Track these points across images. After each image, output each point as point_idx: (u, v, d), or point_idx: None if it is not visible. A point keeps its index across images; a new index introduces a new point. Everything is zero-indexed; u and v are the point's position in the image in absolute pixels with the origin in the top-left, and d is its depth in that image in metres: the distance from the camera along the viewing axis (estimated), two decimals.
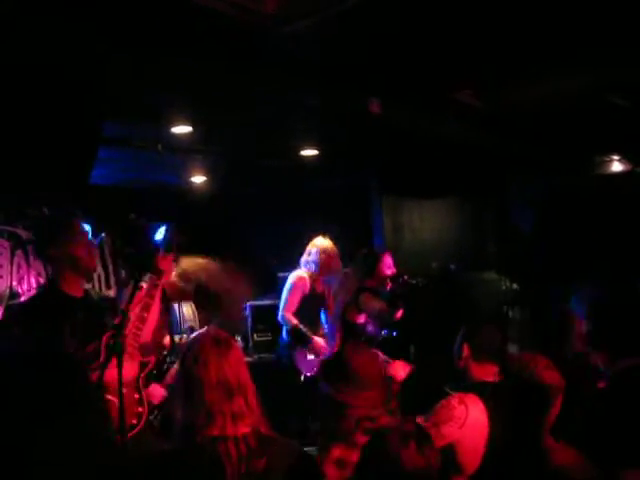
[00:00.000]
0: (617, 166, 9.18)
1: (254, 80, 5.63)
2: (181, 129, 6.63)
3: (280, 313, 7.04)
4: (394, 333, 6.52)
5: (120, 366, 3.48)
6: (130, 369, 3.91)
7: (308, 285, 7.07)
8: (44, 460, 1.80)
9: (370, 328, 6.19)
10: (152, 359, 4.21)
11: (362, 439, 3.12)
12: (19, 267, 8.32)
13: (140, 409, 3.95)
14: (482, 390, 3.79)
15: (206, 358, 2.76)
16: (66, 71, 4.99)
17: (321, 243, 7.05)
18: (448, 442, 3.59)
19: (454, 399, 3.74)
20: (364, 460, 2.53)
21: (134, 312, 4.06)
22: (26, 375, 1.88)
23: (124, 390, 3.74)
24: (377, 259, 6.34)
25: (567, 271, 8.20)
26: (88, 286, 4.43)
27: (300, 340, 6.91)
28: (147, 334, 4.13)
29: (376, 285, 6.27)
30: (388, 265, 6.33)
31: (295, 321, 6.93)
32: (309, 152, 7.97)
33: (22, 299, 8.12)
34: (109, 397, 3.75)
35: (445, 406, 3.71)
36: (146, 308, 4.10)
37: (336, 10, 4.76)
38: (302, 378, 6.91)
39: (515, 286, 9.20)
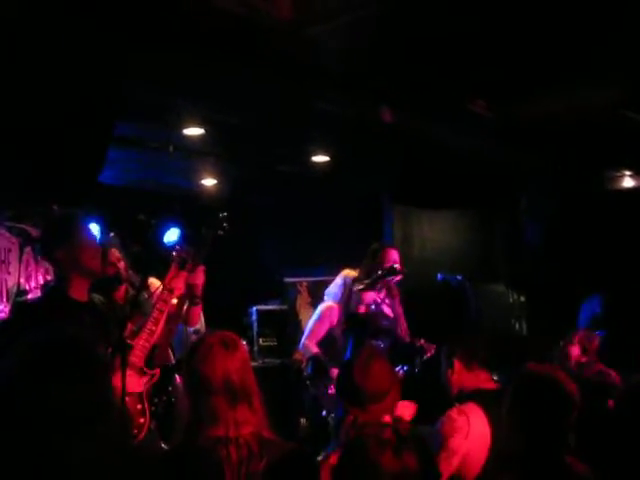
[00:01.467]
0: (629, 181, 9.14)
1: (268, 84, 5.63)
2: (193, 131, 6.63)
3: (302, 341, 6.83)
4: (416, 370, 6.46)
5: (124, 377, 3.51)
6: (136, 381, 3.92)
7: (337, 316, 6.64)
8: (77, 464, 1.81)
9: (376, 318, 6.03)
10: (157, 372, 4.17)
11: None
12: (27, 264, 8.33)
13: (142, 420, 3.93)
14: (479, 397, 3.81)
15: (212, 358, 2.76)
16: (79, 69, 5.00)
17: (348, 274, 6.85)
18: (462, 455, 3.58)
19: (452, 412, 3.75)
20: (342, 465, 2.50)
21: (145, 325, 4.09)
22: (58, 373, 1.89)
23: (127, 399, 3.77)
24: (381, 250, 6.22)
25: (576, 286, 8.17)
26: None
27: (318, 370, 6.70)
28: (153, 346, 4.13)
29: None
30: (393, 259, 6.17)
31: (315, 349, 6.67)
32: (320, 158, 7.96)
33: (30, 296, 8.14)
34: None
35: (446, 421, 3.70)
36: (155, 322, 4.11)
37: (352, 17, 4.76)
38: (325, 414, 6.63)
39: (523, 299, 9.18)
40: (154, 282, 5.24)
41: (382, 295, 6.18)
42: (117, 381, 3.56)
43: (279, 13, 4.63)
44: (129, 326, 4.04)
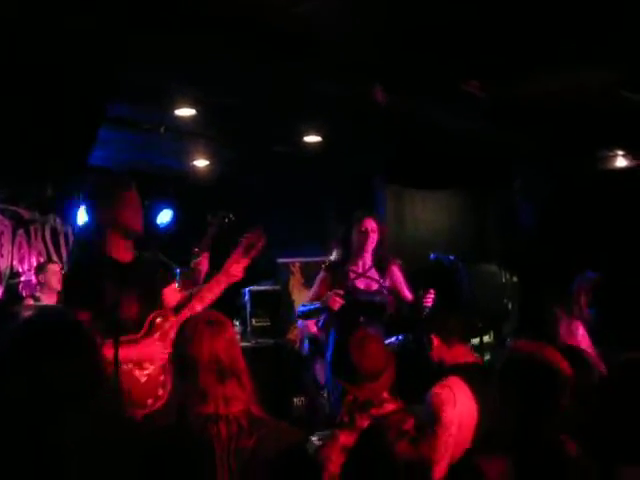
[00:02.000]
0: (621, 161, 9.15)
1: (258, 62, 5.61)
2: (184, 112, 6.61)
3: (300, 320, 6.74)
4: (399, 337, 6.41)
5: (116, 350, 3.52)
6: (163, 349, 3.91)
7: None
8: (66, 440, 1.84)
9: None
10: None
11: (367, 424, 3.13)
12: (20, 247, 8.34)
13: (161, 392, 3.92)
14: (459, 371, 3.86)
15: (199, 338, 2.77)
16: (72, 51, 4.98)
17: None
18: (457, 425, 3.62)
19: (435, 388, 3.78)
20: (358, 449, 2.52)
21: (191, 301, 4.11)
22: (40, 351, 1.91)
23: (151, 368, 3.87)
24: (356, 219, 5.75)
25: (569, 265, 8.20)
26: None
27: (316, 350, 6.66)
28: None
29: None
30: (369, 224, 5.69)
31: (314, 329, 6.60)
32: (312, 139, 7.95)
33: (22, 278, 8.15)
34: (136, 372, 3.84)
35: (432, 398, 3.74)
36: (200, 300, 4.11)
37: None
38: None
39: (515, 279, 9.19)
40: None
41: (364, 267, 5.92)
42: (149, 346, 3.79)
43: None
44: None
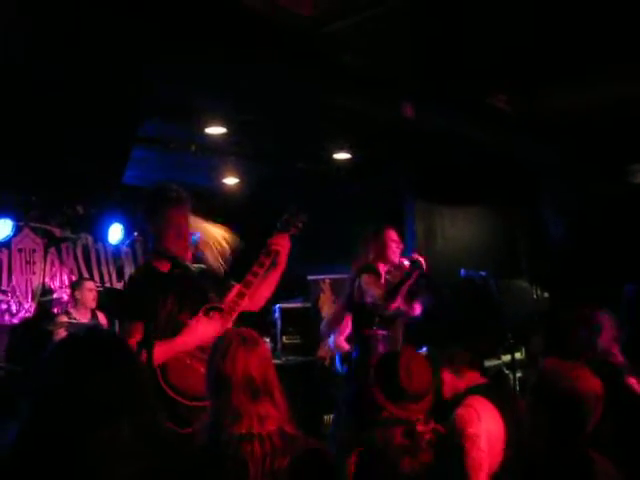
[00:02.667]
0: None
1: (289, 81, 5.63)
2: (215, 130, 6.65)
3: (331, 339, 6.64)
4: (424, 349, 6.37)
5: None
6: (223, 325, 3.83)
7: None
8: (101, 456, 1.85)
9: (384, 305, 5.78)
10: None
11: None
12: (52, 264, 8.43)
13: None
14: (477, 391, 3.84)
15: (232, 355, 2.77)
16: (104, 71, 5.03)
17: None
18: (486, 438, 3.59)
19: (457, 411, 3.75)
20: (363, 463, 2.49)
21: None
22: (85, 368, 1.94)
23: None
24: (380, 232, 5.90)
25: (600, 281, 8.12)
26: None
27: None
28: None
29: (388, 268, 5.86)
30: (393, 238, 5.88)
31: (347, 346, 6.51)
32: (342, 156, 7.96)
33: (54, 296, 8.22)
34: (193, 362, 3.79)
35: (454, 420, 3.71)
36: (246, 284, 4.02)
37: (372, 13, 4.76)
38: None
39: (546, 295, 9.12)
40: None
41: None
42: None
43: (300, 10, 4.63)
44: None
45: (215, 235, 4.33)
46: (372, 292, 5.65)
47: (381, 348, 5.54)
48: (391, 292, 5.51)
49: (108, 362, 1.98)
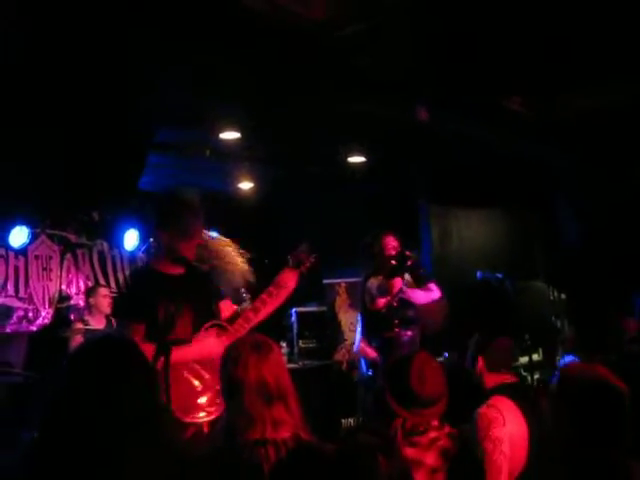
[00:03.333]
0: None
1: (303, 86, 5.64)
2: (229, 135, 6.66)
3: (356, 344, 6.64)
4: (445, 355, 6.37)
5: (167, 377, 3.47)
6: (219, 346, 3.77)
7: None
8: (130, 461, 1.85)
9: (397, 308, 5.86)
10: None
11: (408, 452, 3.09)
12: (68, 271, 8.45)
13: (218, 401, 3.82)
14: (503, 390, 3.82)
15: (246, 362, 2.77)
16: (119, 78, 5.05)
17: None
18: (508, 442, 3.57)
19: (480, 409, 3.73)
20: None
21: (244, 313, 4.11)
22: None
23: (207, 376, 3.86)
24: (378, 239, 6.05)
25: (615, 281, 8.07)
26: None
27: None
28: None
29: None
30: (392, 246, 6.02)
31: (372, 353, 6.51)
32: (356, 159, 7.96)
33: (71, 302, 8.25)
34: (190, 376, 3.84)
35: (477, 419, 3.69)
36: (255, 310, 4.11)
37: (385, 16, 4.75)
38: None
39: (563, 296, 9.09)
40: None
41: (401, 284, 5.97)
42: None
43: (312, 14, 4.63)
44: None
45: (235, 266, 4.39)
46: (373, 291, 5.84)
47: (405, 350, 5.55)
48: (381, 287, 5.75)
49: (124, 370, 1.99)
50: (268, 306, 4.17)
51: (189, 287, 4.02)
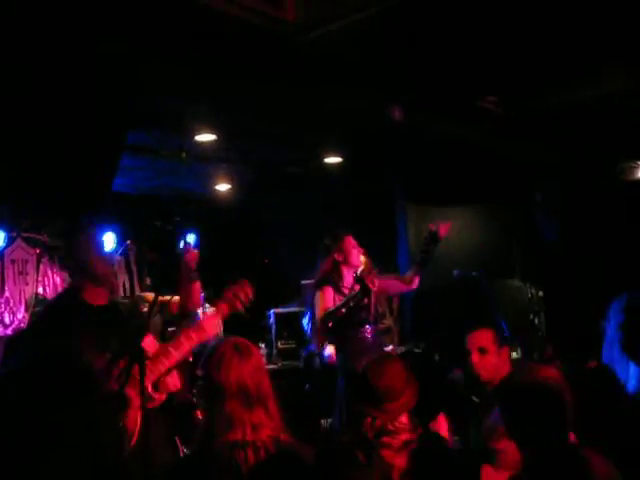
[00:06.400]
0: None
1: (277, 87, 5.64)
2: (205, 137, 6.65)
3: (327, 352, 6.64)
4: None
5: (142, 385, 3.34)
6: (136, 395, 3.61)
7: None
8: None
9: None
10: (163, 397, 3.92)
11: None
12: (44, 274, 8.41)
13: (134, 441, 3.65)
14: None
15: (227, 365, 2.77)
16: (90, 80, 5.03)
17: None
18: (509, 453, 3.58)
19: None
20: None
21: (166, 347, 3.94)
22: (33, 391, 1.83)
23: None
24: (339, 240, 5.98)
25: (593, 279, 8.14)
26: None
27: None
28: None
29: (353, 272, 5.81)
30: (352, 244, 5.98)
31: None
32: (333, 160, 7.97)
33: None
34: None
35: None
36: (176, 346, 3.93)
37: (357, 17, 4.76)
38: None
39: (541, 294, 9.13)
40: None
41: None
42: (132, 390, 3.53)
43: (285, 16, 4.64)
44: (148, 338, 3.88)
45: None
46: (317, 311, 5.79)
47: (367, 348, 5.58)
48: (330, 313, 5.67)
49: (68, 383, 1.84)
50: (181, 349, 3.97)
51: (108, 318, 3.95)
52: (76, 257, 4.03)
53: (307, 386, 6.56)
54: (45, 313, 4.39)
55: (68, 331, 3.76)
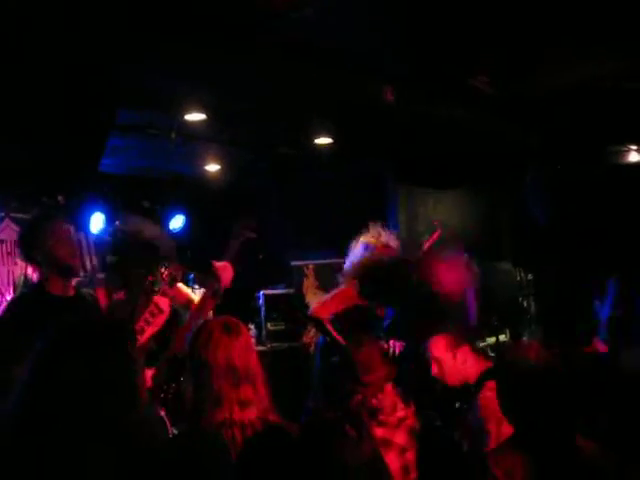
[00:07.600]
0: (634, 156, 9.08)
1: (266, 67, 5.60)
2: (194, 117, 6.60)
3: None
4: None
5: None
6: None
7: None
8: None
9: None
10: None
11: (377, 431, 3.10)
12: None
13: None
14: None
15: (215, 343, 2.76)
16: (78, 58, 4.98)
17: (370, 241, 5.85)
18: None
19: (481, 394, 3.72)
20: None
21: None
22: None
23: None
24: None
25: (582, 262, 8.15)
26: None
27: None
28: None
29: None
30: None
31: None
32: (323, 140, 7.93)
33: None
34: None
35: (480, 402, 3.68)
36: (146, 323, 3.95)
37: None
38: None
39: (530, 277, 9.15)
40: None
41: None
42: None
43: None
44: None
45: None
46: None
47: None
48: None
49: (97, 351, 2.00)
50: (150, 328, 3.99)
51: (76, 309, 3.96)
52: (42, 248, 4.00)
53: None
54: (7, 309, 4.31)
55: (33, 325, 3.73)
